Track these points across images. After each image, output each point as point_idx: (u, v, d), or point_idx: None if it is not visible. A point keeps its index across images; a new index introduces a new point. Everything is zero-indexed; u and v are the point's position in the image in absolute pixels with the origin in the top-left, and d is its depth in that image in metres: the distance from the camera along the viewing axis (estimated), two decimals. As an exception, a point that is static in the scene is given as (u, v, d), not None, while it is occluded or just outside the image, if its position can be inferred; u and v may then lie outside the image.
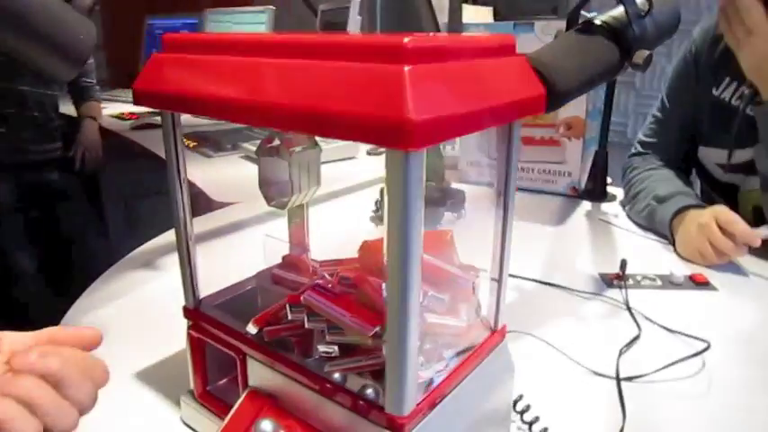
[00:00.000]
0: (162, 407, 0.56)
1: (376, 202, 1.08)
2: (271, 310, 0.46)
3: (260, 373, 0.46)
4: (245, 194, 1.13)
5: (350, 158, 1.47)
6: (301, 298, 0.40)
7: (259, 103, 0.34)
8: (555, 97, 0.56)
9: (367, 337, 0.37)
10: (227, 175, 1.31)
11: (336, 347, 0.39)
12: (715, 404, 0.57)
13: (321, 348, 0.40)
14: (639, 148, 1.14)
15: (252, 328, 0.45)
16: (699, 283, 0.81)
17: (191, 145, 1.49)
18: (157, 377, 0.60)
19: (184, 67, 0.42)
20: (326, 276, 0.43)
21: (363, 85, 0.30)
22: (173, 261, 0.87)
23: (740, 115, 0.94)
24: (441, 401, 0.40)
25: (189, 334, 0.51)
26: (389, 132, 0.29)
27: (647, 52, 0.64)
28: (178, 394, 0.55)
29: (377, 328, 0.37)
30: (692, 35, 1.04)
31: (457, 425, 0.42)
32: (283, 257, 0.58)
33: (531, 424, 0.52)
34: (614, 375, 0.61)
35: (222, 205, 1.11)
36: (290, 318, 0.42)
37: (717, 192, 1.04)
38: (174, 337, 0.59)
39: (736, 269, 0.85)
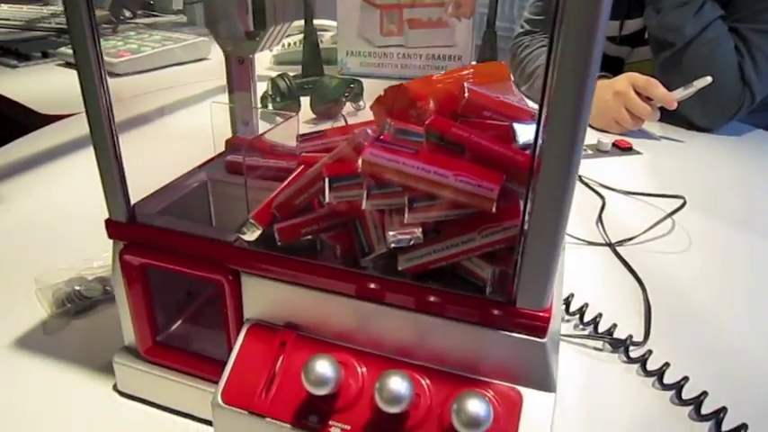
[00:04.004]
0: (79, 380, 0.37)
1: (263, 99, 0.89)
2: (273, 199, 0.30)
3: (266, 297, 0.30)
4: (81, 105, 0.85)
5: (201, 60, 1.21)
6: (359, 161, 0.25)
7: None
8: None
9: (489, 203, 0.24)
10: (48, 84, 0.99)
11: (420, 231, 0.26)
12: (700, 252, 0.56)
13: (394, 235, 0.26)
14: (528, 27, 1.10)
15: (250, 231, 0.29)
16: (624, 148, 0.80)
17: (-15, 56, 1.10)
18: (53, 342, 0.40)
19: None
20: (369, 132, 0.29)
21: None
22: (14, 187, 0.63)
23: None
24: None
25: (122, 261, 0.32)
26: None
27: None
28: (101, 358, 0.37)
29: (498, 188, 0.24)
30: None
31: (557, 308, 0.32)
32: (228, 142, 0.41)
33: (567, 303, 0.45)
34: (606, 242, 0.56)
35: (56, 118, 0.82)
36: (327, 199, 0.27)
37: (602, 65, 1.05)
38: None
39: (646, 135, 0.87)
